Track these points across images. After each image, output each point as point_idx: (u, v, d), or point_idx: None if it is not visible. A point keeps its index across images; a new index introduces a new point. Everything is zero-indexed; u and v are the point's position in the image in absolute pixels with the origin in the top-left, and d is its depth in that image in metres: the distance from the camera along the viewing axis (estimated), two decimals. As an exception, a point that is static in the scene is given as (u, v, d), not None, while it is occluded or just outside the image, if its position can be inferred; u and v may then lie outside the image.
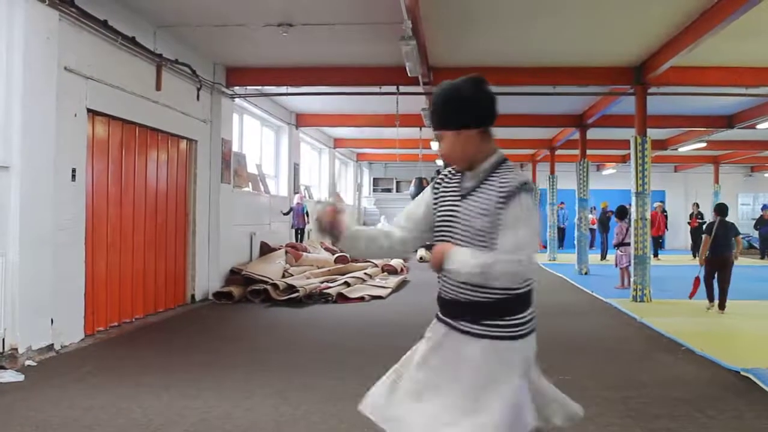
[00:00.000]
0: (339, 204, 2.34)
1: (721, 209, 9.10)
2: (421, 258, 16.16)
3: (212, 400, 4.55)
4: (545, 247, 18.80)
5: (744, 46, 8.72)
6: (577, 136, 15.30)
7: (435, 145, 16.12)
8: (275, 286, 9.87)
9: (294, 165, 14.99)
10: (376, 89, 10.62)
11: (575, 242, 14.94)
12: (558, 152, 19.28)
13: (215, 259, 10.06)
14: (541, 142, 19.31)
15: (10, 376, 5.10)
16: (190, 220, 9.55)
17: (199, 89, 9.46)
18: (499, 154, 2.23)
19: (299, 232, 14.17)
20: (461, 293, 2.18)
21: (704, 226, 9.42)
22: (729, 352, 6.03)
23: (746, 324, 8.00)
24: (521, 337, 2.17)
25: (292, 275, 10.93)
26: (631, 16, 7.73)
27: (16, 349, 5.51)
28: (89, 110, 6.80)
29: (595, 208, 20.75)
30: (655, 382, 5.17)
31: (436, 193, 2.34)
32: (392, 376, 2.34)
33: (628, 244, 10.64)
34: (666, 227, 20.49)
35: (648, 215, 9.83)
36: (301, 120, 15.10)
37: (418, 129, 14.86)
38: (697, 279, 8.91)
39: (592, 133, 15.29)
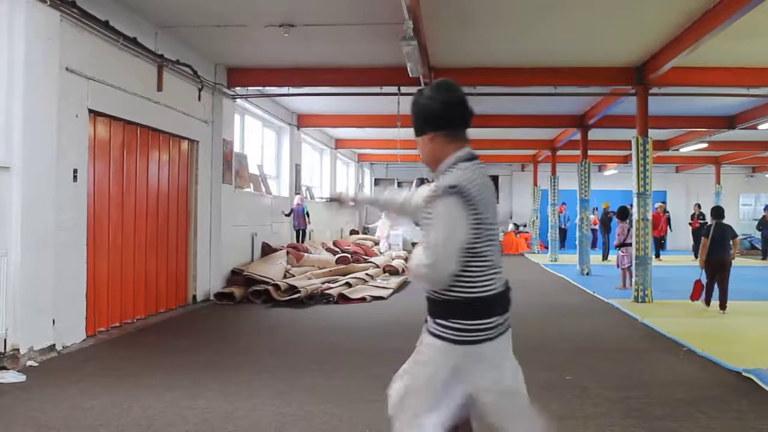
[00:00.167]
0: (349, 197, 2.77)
1: (717, 212, 9.17)
2: None
3: (214, 400, 4.55)
4: (546, 247, 18.78)
5: (745, 47, 8.72)
6: (578, 136, 15.29)
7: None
8: (276, 286, 9.87)
9: (295, 165, 14.99)
10: (377, 90, 10.62)
11: (576, 243, 14.93)
12: (559, 153, 19.28)
13: (216, 259, 10.06)
14: (543, 142, 19.31)
15: (11, 376, 5.10)
16: (191, 220, 9.55)
17: (200, 90, 9.46)
18: (456, 156, 2.24)
19: (300, 233, 14.15)
20: (427, 291, 2.29)
21: (703, 229, 9.46)
22: (730, 352, 6.02)
23: (748, 324, 7.99)
24: (462, 343, 2.16)
25: (294, 276, 10.93)
26: (632, 17, 7.73)
27: (18, 350, 5.52)
28: (90, 111, 6.81)
29: (596, 209, 20.74)
30: (656, 382, 5.17)
31: None
32: None
33: (630, 245, 10.63)
34: (669, 227, 20.46)
35: (650, 216, 9.82)
36: (302, 120, 15.10)
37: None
38: (698, 282, 8.93)
39: (594, 134, 15.29)
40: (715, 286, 8.86)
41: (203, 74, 9.46)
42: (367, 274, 12.02)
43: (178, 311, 8.85)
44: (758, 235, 22.02)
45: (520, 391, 2.31)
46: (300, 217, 13.93)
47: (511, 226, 24.06)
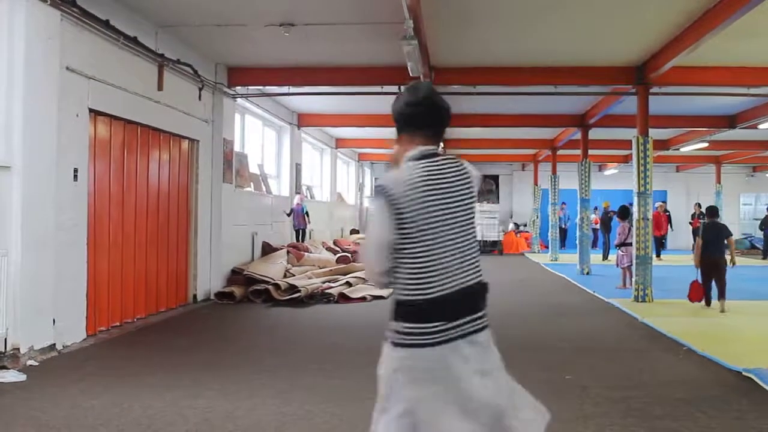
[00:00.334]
0: None
1: (711, 211, 9.27)
2: None
3: (214, 400, 4.56)
4: (546, 246, 18.78)
5: (746, 46, 8.71)
6: (578, 136, 15.29)
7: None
8: (277, 286, 9.87)
9: (295, 165, 14.99)
10: (377, 89, 10.61)
11: (577, 242, 14.93)
12: (560, 152, 19.28)
13: (217, 259, 10.07)
14: (543, 142, 19.31)
15: (12, 376, 5.10)
16: (191, 219, 9.56)
17: (200, 89, 9.47)
18: (408, 156, 2.20)
19: (300, 233, 14.12)
20: None
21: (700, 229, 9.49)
22: (730, 352, 6.02)
23: (748, 324, 7.98)
24: (399, 346, 2.08)
25: (294, 275, 10.93)
26: (632, 16, 7.73)
27: (18, 349, 5.52)
28: (91, 110, 6.81)
29: (597, 209, 20.74)
30: (656, 382, 5.17)
31: None
32: None
33: (630, 244, 10.62)
34: (670, 226, 20.46)
35: (650, 215, 9.82)
36: (302, 120, 15.10)
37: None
38: (695, 282, 8.96)
39: (594, 133, 15.28)
40: (713, 284, 8.89)
41: (204, 73, 9.46)
42: (367, 273, 11.98)
43: (178, 310, 8.85)
44: (760, 234, 22.00)
45: (481, 417, 2.04)
46: (300, 217, 13.92)
47: (511, 226, 24.07)
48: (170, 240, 8.91)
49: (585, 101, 13.29)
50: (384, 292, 10.54)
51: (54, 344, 6.01)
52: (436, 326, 2.03)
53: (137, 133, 7.95)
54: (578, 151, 15.19)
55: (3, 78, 5.56)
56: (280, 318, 8.51)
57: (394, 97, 2.39)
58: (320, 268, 12.06)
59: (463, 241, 2.13)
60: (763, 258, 20.02)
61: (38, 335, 5.80)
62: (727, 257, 8.97)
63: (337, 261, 12.78)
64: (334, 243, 15.39)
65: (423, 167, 2.13)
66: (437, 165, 2.15)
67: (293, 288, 9.79)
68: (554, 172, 19.09)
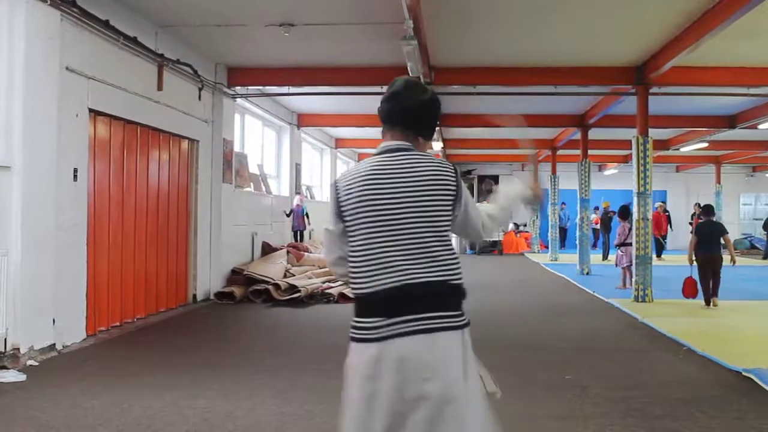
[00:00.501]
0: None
1: (707, 210, 9.38)
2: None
3: (214, 400, 4.56)
4: (546, 246, 18.78)
5: (746, 46, 8.72)
6: (578, 136, 15.29)
7: (436, 145, 16.14)
8: (277, 286, 9.87)
9: (295, 165, 14.99)
10: (377, 89, 10.58)
11: (577, 242, 14.93)
12: (560, 152, 19.26)
13: (217, 259, 10.06)
14: (543, 142, 19.28)
15: (12, 375, 5.10)
16: (191, 220, 9.56)
17: (200, 89, 9.47)
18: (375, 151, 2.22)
19: (298, 234, 14.07)
20: None
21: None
22: (730, 352, 6.02)
23: (748, 324, 7.99)
24: (351, 339, 2.07)
25: (294, 275, 10.93)
26: (632, 16, 7.73)
27: (18, 349, 5.52)
28: (91, 110, 6.81)
29: (597, 208, 20.74)
30: (656, 382, 5.17)
31: None
32: None
33: (630, 244, 10.63)
34: (670, 226, 20.47)
35: (650, 215, 9.82)
36: (302, 120, 15.10)
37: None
38: (690, 279, 9.02)
39: (594, 133, 15.29)
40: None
41: (203, 74, 9.46)
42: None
43: (178, 310, 8.85)
44: (760, 234, 21.99)
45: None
46: (299, 218, 13.85)
47: (511, 226, 24.07)
48: (170, 240, 8.91)
49: (585, 101, 13.29)
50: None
51: (54, 344, 6.01)
52: (374, 322, 1.99)
53: (137, 133, 7.95)
54: (578, 151, 15.19)
55: (3, 78, 5.56)
56: (280, 318, 8.51)
57: None
58: (320, 268, 12.05)
59: (408, 238, 2.02)
60: (764, 258, 20.01)
61: (38, 335, 5.80)
62: (727, 256, 9.01)
63: (335, 264, 12.75)
64: (322, 244, 15.34)
65: (374, 162, 2.13)
66: (391, 160, 2.10)
67: (293, 288, 9.79)
68: (554, 172, 19.09)
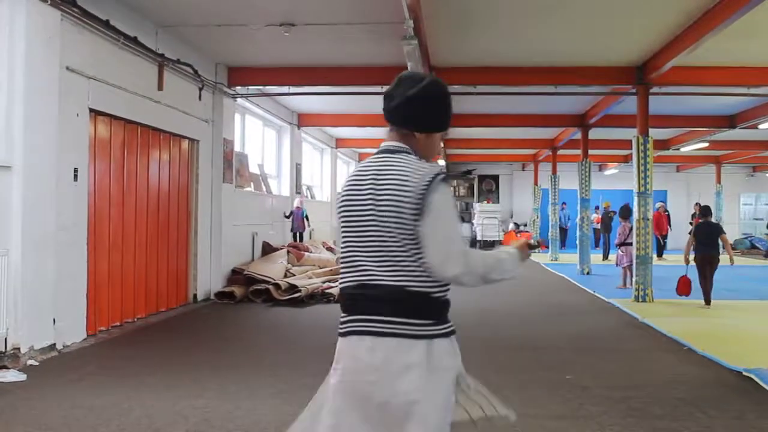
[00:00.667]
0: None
1: (704, 210, 9.51)
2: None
3: (214, 399, 4.56)
4: (546, 246, 18.78)
5: (746, 46, 8.72)
6: (579, 136, 15.29)
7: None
8: (277, 285, 9.87)
9: (296, 165, 14.99)
10: (378, 89, 10.60)
11: (577, 242, 14.93)
12: (560, 152, 19.27)
13: (217, 258, 10.07)
14: (543, 142, 19.31)
15: (12, 375, 5.11)
16: (192, 219, 9.56)
17: (201, 89, 9.47)
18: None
19: (298, 235, 14.03)
20: None
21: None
22: (731, 352, 6.02)
23: (748, 324, 7.98)
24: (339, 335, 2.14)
25: (294, 275, 10.93)
26: (632, 16, 7.73)
27: (19, 349, 5.52)
28: (91, 110, 6.81)
29: (598, 208, 20.74)
30: (656, 382, 5.17)
31: None
32: None
33: (630, 244, 10.63)
34: (670, 226, 20.47)
35: (650, 215, 9.83)
36: (302, 120, 15.10)
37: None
38: (684, 277, 9.10)
39: (594, 133, 15.28)
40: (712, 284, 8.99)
41: (204, 73, 9.46)
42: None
43: (178, 310, 8.85)
44: (760, 234, 21.97)
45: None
46: (299, 221, 13.79)
47: (511, 226, 24.07)
48: (170, 240, 8.91)
49: (585, 101, 13.29)
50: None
51: (54, 344, 6.02)
52: (343, 317, 2.10)
53: (137, 133, 7.95)
54: (578, 151, 15.19)
55: (3, 78, 5.57)
56: (281, 318, 8.51)
57: None
58: (320, 268, 12.07)
59: (371, 242, 2.02)
60: (765, 257, 19.98)
61: (38, 335, 5.81)
62: (724, 256, 9.07)
63: (337, 261, 12.77)
64: (335, 243, 15.38)
65: (362, 165, 2.16)
66: (374, 163, 2.09)
67: (293, 288, 9.79)
68: (554, 172, 19.08)
